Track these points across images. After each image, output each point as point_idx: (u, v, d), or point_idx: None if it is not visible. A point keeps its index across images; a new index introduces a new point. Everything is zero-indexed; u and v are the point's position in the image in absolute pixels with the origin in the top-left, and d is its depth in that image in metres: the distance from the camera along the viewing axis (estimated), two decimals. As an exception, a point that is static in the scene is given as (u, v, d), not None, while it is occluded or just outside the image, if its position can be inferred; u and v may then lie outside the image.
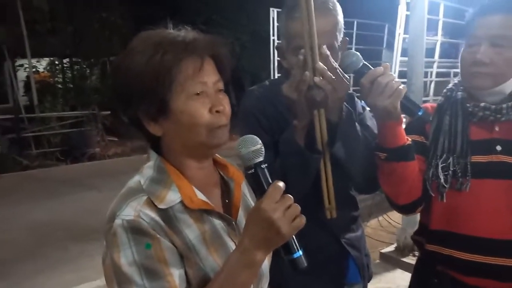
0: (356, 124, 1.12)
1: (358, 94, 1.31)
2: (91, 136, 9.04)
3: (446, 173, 1.10)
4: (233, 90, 12.77)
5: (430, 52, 4.00)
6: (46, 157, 8.60)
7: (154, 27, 0.82)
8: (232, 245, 0.83)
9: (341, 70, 1.01)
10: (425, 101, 3.75)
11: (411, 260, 3.21)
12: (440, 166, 1.10)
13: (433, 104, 1.23)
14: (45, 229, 4.46)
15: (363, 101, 1.32)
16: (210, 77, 0.80)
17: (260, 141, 0.77)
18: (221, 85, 0.83)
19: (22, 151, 8.36)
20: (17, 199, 5.66)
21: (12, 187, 6.45)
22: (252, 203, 0.96)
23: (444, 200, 1.11)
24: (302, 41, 1.00)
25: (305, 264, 0.76)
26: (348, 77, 1.03)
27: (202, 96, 0.79)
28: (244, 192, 0.96)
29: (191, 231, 0.78)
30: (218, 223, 0.83)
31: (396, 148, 1.05)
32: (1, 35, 8.96)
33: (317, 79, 0.98)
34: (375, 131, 1.25)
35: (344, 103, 1.10)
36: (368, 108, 1.34)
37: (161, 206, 0.76)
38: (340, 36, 1.14)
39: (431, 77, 4.45)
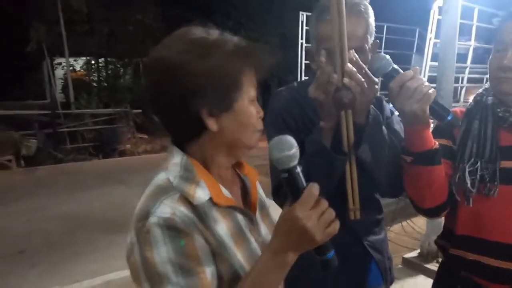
0: (383, 127, 1.11)
1: (386, 98, 1.31)
2: (123, 133, 9.32)
3: (473, 177, 1.08)
4: (260, 93, 12.85)
5: (462, 57, 3.92)
6: (79, 152, 8.94)
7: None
8: (253, 241, 0.85)
9: (370, 73, 1.00)
10: (454, 107, 3.67)
11: (434, 266, 3.16)
12: (467, 170, 1.09)
13: (462, 109, 1.21)
14: (75, 220, 4.65)
15: (391, 105, 1.32)
16: (255, 84, 0.86)
17: (296, 144, 0.76)
18: (255, 93, 0.87)
19: (57, 145, 8.71)
20: (51, 191, 5.92)
21: (47, 179, 6.75)
22: (265, 198, 1.00)
23: (471, 205, 1.09)
24: (332, 43, 1.00)
25: (337, 263, 0.77)
26: (377, 80, 1.02)
27: (254, 101, 0.85)
28: (258, 189, 1.00)
29: (221, 227, 0.80)
30: (241, 219, 0.85)
31: (423, 152, 1.04)
32: (41, 34, 9.37)
33: (346, 80, 0.98)
34: (403, 135, 1.23)
35: (372, 106, 1.09)
36: (396, 112, 1.34)
37: (193, 202, 0.77)
38: (371, 39, 1.14)
39: (462, 82, 4.35)
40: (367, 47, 1.12)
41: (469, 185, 1.08)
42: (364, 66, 1.00)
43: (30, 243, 4.05)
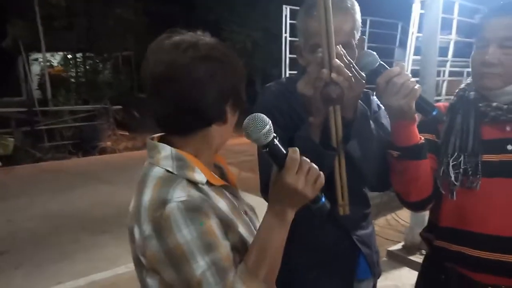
0: (371, 122, 1.13)
1: (374, 92, 1.32)
2: (103, 130, 9.14)
3: (457, 171, 1.11)
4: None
5: (443, 51, 3.97)
6: (58, 150, 8.73)
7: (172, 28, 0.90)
8: (242, 213, 0.95)
9: (357, 68, 1.02)
10: (437, 100, 3.73)
11: (418, 258, 3.22)
12: (451, 164, 1.12)
13: (446, 104, 1.24)
14: (58, 220, 4.56)
15: (378, 100, 1.33)
16: None
17: (268, 120, 0.80)
18: None
19: (35, 143, 8.50)
20: (32, 190, 5.79)
21: (27, 179, 6.58)
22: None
23: (455, 198, 1.12)
24: (320, 39, 1.01)
25: (329, 207, 0.87)
26: (364, 76, 1.03)
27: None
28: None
29: (222, 204, 0.87)
30: (229, 194, 0.94)
31: (409, 147, 1.06)
32: (17, 30, 9.09)
33: (334, 75, 0.99)
34: (389, 128, 1.27)
35: (360, 101, 1.11)
36: (383, 107, 1.36)
37: (199, 184, 0.85)
38: (357, 35, 1.15)
39: (443, 76, 4.42)
40: (354, 43, 1.13)
41: (452, 178, 1.11)
42: (352, 61, 1.02)
43: (13, 244, 3.96)
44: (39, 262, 3.52)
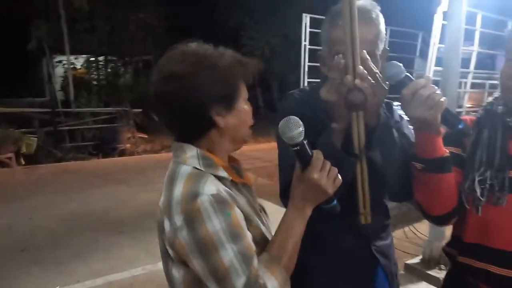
0: (394, 130, 1.13)
1: (395, 103, 1.32)
2: (122, 132, 9.30)
3: (483, 186, 1.09)
4: (261, 93, 12.84)
5: (465, 62, 3.93)
6: (79, 150, 8.92)
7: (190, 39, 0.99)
8: (257, 208, 1.05)
9: (380, 75, 1.02)
10: (458, 113, 3.68)
11: (436, 273, 3.16)
12: (477, 179, 1.10)
13: (472, 117, 1.22)
14: (78, 220, 4.65)
15: (403, 111, 1.34)
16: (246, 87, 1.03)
17: (301, 123, 0.92)
18: None
19: (57, 144, 8.70)
20: (53, 190, 5.92)
21: (48, 178, 6.74)
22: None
23: (480, 214, 1.10)
24: (344, 47, 1.03)
25: (339, 210, 0.99)
26: (387, 83, 1.04)
27: (247, 101, 1.03)
28: None
29: (241, 200, 0.97)
30: (246, 192, 1.03)
31: (433, 159, 1.05)
32: (42, 32, 9.35)
33: (357, 81, 1.00)
34: (413, 139, 1.23)
35: (382, 108, 1.11)
36: (406, 118, 1.35)
37: (223, 182, 0.94)
38: (381, 46, 1.15)
39: (465, 87, 4.36)
40: (377, 53, 1.14)
41: (478, 194, 1.09)
42: (375, 67, 1.02)
43: (32, 242, 4.05)
44: (57, 260, 3.59)
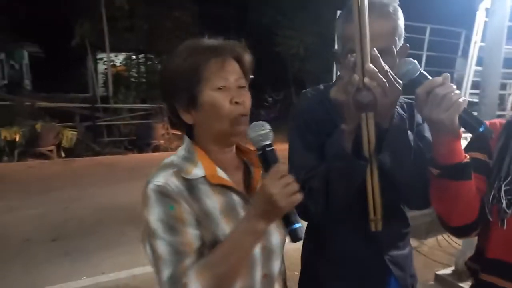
0: (410, 133, 1.05)
1: None
2: (157, 128, 9.53)
3: (509, 197, 0.99)
4: (294, 92, 12.74)
5: (509, 63, 3.67)
6: (115, 145, 9.23)
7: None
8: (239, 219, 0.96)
9: (393, 74, 0.95)
10: (499, 116, 3.45)
11: (468, 286, 2.97)
12: (503, 189, 1.00)
13: (502, 120, 1.11)
14: (107, 212, 4.80)
15: (418, 112, 1.25)
16: (232, 75, 0.95)
17: (268, 126, 0.88)
18: (242, 82, 0.97)
19: (95, 138, 9.04)
20: (87, 182, 6.15)
21: (85, 171, 7.02)
22: None
23: (505, 227, 1.00)
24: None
25: (302, 236, 0.85)
26: (401, 82, 0.96)
27: (224, 90, 0.93)
28: None
29: (211, 201, 0.93)
30: (236, 198, 0.97)
31: (451, 165, 0.96)
32: (85, 30, 9.73)
33: (366, 80, 0.93)
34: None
35: (399, 110, 1.04)
36: None
37: (187, 176, 0.92)
38: (399, 42, 1.09)
39: (510, 89, 4.08)
40: (394, 50, 1.07)
41: (504, 205, 0.99)
42: (387, 66, 0.95)
43: (63, 232, 4.21)
44: (85, 250, 3.71)
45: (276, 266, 1.03)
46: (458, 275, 3.16)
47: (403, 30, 1.09)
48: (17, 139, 7.61)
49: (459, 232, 1.08)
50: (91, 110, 9.37)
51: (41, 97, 10.39)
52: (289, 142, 1.20)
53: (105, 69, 11.55)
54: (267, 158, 0.86)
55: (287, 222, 0.84)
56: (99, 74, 12.27)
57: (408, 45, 1.14)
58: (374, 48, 0.95)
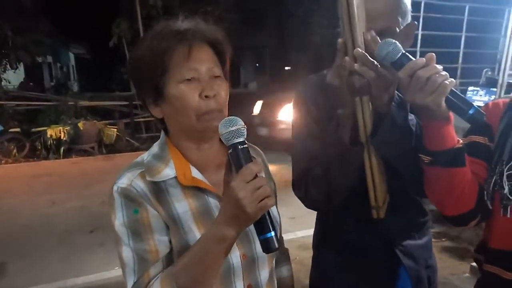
0: (412, 118, 0.99)
1: None
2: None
3: None
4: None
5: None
6: (153, 140, 9.33)
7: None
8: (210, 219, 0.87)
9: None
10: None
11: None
12: (505, 174, 0.93)
13: (505, 99, 1.03)
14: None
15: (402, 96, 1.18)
16: (203, 64, 0.84)
17: (241, 123, 0.76)
18: (216, 72, 0.86)
19: (134, 134, 9.36)
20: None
21: (123, 166, 7.27)
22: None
23: (508, 215, 0.93)
24: (360, 25, 0.91)
25: (276, 246, 0.75)
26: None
27: (193, 82, 0.83)
28: None
29: (181, 205, 0.85)
30: (212, 201, 0.88)
31: (442, 152, 0.90)
32: (122, 30, 10.06)
33: (356, 65, 0.89)
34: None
35: (398, 93, 0.98)
36: None
37: (153, 179, 0.84)
38: (403, 21, 1.03)
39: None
40: (396, 30, 1.01)
41: (507, 191, 0.91)
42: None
43: (100, 224, 4.38)
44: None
45: (263, 275, 0.94)
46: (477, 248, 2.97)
47: (408, 7, 1.03)
48: (62, 137, 8.03)
49: (456, 221, 1.01)
50: (129, 107, 9.70)
51: (86, 96, 10.90)
52: (292, 129, 1.17)
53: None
54: (239, 158, 0.75)
55: (259, 230, 0.75)
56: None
57: (415, 22, 1.07)
58: (372, 30, 0.90)
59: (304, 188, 1.08)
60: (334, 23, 10.81)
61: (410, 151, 0.98)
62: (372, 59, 0.88)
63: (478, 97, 4.39)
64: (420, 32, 4.89)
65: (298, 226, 3.59)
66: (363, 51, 0.88)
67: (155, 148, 0.91)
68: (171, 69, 0.83)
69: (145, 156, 0.90)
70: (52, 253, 3.77)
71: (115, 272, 3.34)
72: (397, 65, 0.86)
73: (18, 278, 3.32)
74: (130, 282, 0.82)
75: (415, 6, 5.22)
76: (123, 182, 0.84)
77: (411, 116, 0.99)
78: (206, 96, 0.83)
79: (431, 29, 5.01)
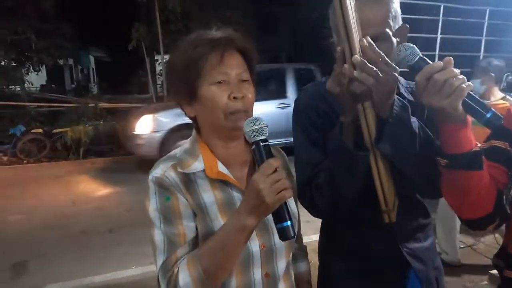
0: (415, 120, 1.00)
1: None
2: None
3: None
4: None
5: None
6: (171, 142, 9.60)
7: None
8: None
9: (388, 61, 0.91)
10: None
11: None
12: None
13: None
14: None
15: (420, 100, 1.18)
16: (233, 69, 0.93)
17: (263, 122, 0.84)
18: (245, 76, 0.95)
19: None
20: (143, 177, 6.42)
21: (141, 167, 7.37)
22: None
23: None
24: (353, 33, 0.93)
25: (292, 235, 0.81)
26: (397, 69, 0.92)
27: (223, 85, 0.92)
28: None
29: (207, 195, 0.94)
30: (236, 194, 0.97)
31: (459, 155, 0.89)
32: (141, 34, 10.24)
33: (356, 72, 0.91)
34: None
35: (409, 97, 0.99)
36: None
37: (184, 170, 0.94)
38: (395, 24, 1.05)
39: None
40: (389, 34, 1.02)
41: None
42: (381, 53, 0.91)
43: (119, 223, 4.47)
44: (136, 242, 3.89)
45: (280, 265, 1.01)
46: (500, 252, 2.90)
47: (398, 11, 1.06)
48: (82, 138, 8.20)
49: (473, 224, 1.01)
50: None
51: (105, 98, 11.11)
52: (293, 138, 1.19)
53: (161, 70, 12.04)
54: (261, 154, 0.82)
55: (276, 219, 0.81)
56: (156, 75, 12.81)
57: (407, 25, 1.09)
58: (367, 37, 0.92)
59: (309, 196, 1.09)
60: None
61: (415, 153, 0.99)
62: (370, 65, 0.89)
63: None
64: (439, 36, 4.84)
65: (313, 230, 3.57)
66: (362, 58, 0.90)
67: (186, 144, 1.01)
68: (204, 73, 0.92)
69: (177, 151, 1.00)
70: (71, 252, 3.85)
71: (132, 271, 3.40)
72: (415, 69, 0.87)
73: (38, 276, 3.41)
74: (159, 261, 0.90)
75: (435, 9, 5.17)
76: (157, 172, 0.93)
77: (413, 119, 1.00)
78: (234, 98, 0.92)
79: (450, 33, 4.95)
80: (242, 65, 0.95)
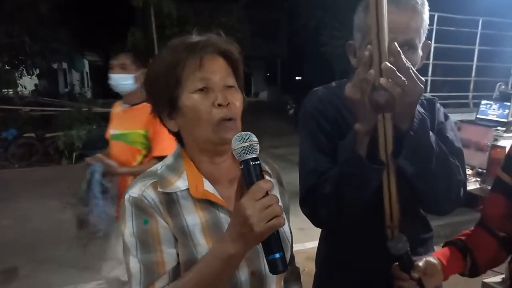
0: (432, 135, 0.97)
1: (440, 101, 1.18)
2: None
3: None
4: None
5: None
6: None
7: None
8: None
9: (415, 71, 0.87)
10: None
11: (521, 296, 2.73)
12: None
13: None
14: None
15: (444, 110, 1.18)
16: (215, 74, 0.84)
17: (254, 139, 0.76)
18: (230, 81, 0.86)
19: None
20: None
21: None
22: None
23: None
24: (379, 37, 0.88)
25: (283, 268, 0.73)
26: (423, 80, 0.88)
27: (206, 92, 0.83)
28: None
29: (191, 218, 0.84)
30: (223, 216, 0.87)
31: None
32: (137, 39, 10.23)
33: (383, 80, 0.85)
34: (456, 144, 1.09)
35: (420, 109, 0.96)
36: (451, 118, 1.18)
37: (165, 190, 0.84)
38: (423, 36, 1.02)
39: None
40: (418, 44, 1.00)
41: None
42: (408, 62, 0.86)
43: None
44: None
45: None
46: (506, 283, 2.91)
47: (427, 24, 1.02)
48: (75, 142, 8.13)
49: None
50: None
51: (99, 103, 11.04)
52: (299, 144, 1.15)
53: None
54: (250, 175, 0.73)
55: (266, 251, 0.73)
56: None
57: (429, 42, 1.07)
58: (395, 42, 0.86)
59: (312, 205, 1.06)
60: (346, 36, 10.86)
61: (432, 169, 0.97)
62: (399, 74, 0.84)
63: (492, 111, 4.35)
64: (433, 45, 4.87)
65: (306, 237, 3.57)
66: (391, 65, 0.85)
67: (169, 158, 0.91)
68: (184, 81, 0.83)
69: (159, 166, 0.90)
70: (63, 257, 3.79)
71: (126, 279, 3.35)
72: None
73: (29, 282, 3.36)
74: None
75: (430, 19, 5.21)
76: (134, 191, 0.83)
77: (430, 133, 0.97)
78: (219, 105, 0.82)
79: (444, 42, 5.00)
80: (225, 70, 0.86)
